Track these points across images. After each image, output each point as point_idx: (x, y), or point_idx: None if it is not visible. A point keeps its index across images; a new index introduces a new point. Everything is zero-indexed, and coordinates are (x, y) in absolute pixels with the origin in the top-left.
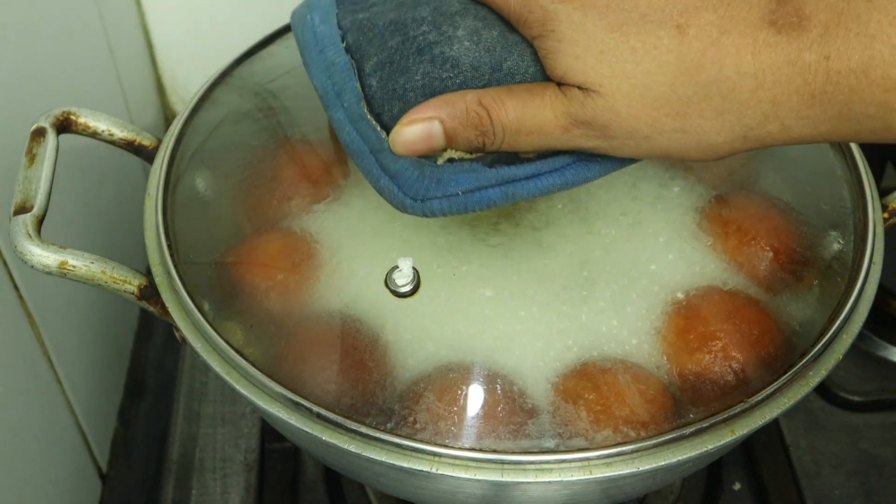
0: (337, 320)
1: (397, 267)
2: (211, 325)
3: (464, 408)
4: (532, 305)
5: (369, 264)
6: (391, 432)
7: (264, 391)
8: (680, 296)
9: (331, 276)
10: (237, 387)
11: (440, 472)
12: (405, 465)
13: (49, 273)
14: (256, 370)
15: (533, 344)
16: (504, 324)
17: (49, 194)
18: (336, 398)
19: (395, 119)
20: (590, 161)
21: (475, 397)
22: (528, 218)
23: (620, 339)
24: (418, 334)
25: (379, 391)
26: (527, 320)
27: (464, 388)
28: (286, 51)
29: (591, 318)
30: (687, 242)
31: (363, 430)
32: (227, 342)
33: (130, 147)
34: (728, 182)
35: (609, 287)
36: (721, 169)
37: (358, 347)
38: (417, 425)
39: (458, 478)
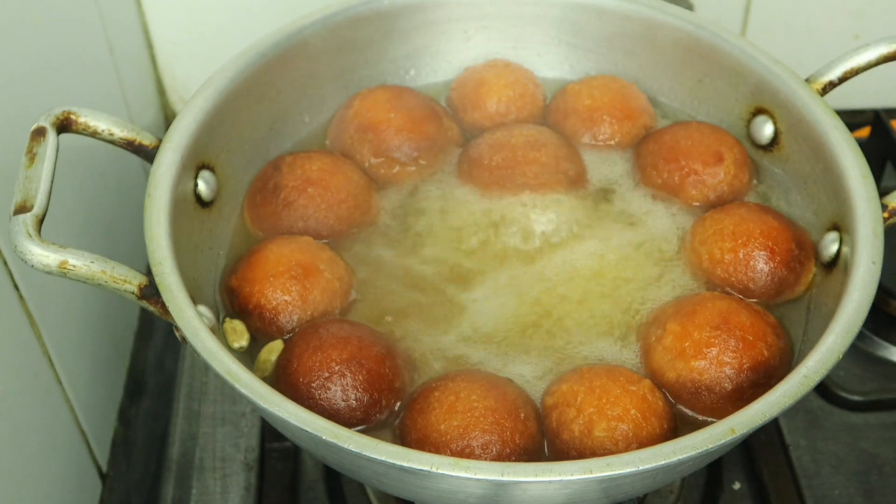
0: (337, 322)
1: None
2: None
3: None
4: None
5: (371, 269)
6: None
7: (264, 391)
8: (679, 300)
9: (331, 278)
10: (237, 386)
11: (440, 471)
12: (405, 464)
13: (49, 272)
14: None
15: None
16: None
17: (49, 194)
18: (336, 397)
19: None
20: None
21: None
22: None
23: (621, 343)
24: (416, 337)
25: (378, 392)
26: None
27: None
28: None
29: (591, 323)
30: (687, 245)
31: (363, 429)
32: (227, 342)
33: (130, 146)
34: (726, 187)
35: (608, 290)
36: (718, 176)
37: (357, 349)
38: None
39: (458, 477)
